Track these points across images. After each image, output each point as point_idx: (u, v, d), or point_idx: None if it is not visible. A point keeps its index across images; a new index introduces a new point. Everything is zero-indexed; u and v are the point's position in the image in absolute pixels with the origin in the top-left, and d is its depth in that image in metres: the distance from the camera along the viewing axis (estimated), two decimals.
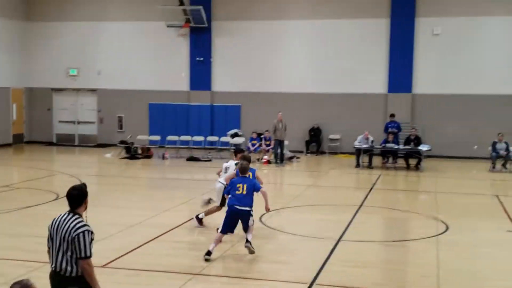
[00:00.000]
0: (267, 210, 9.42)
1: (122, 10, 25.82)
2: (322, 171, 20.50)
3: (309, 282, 7.60)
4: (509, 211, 12.44)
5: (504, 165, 19.57)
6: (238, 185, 8.84)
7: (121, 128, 25.74)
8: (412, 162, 19.98)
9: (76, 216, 5.03)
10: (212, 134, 24.01)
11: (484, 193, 15.67)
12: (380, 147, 20.37)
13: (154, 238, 9.69)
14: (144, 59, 25.52)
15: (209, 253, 8.55)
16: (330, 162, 21.86)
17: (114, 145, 23.77)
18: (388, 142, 20.38)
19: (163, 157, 21.79)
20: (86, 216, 5.15)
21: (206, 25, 24.40)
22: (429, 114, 22.87)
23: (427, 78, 22.97)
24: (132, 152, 21.95)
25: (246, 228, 8.85)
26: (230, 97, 24.81)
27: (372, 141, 20.28)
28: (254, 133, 22.32)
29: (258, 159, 21.00)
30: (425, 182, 17.68)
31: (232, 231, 8.90)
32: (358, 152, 20.16)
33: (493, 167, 19.57)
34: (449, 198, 14.66)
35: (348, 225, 10.98)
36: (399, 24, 22.91)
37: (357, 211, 12.33)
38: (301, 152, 23.25)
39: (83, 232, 4.92)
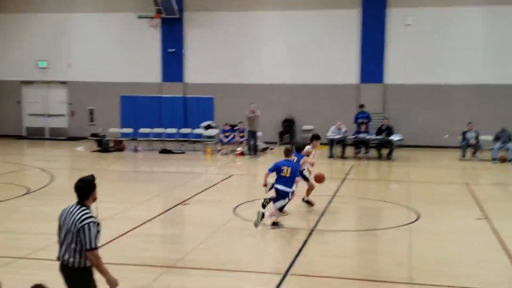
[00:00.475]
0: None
1: (92, 1, 25.46)
2: None
3: (283, 272, 7.63)
4: (479, 199, 12.67)
5: (474, 154, 19.91)
6: (283, 167, 9.91)
7: (92, 121, 25.44)
8: (384, 151, 20.18)
9: (83, 208, 5.05)
10: (185, 126, 23.88)
11: (454, 181, 15.91)
12: (353, 137, 20.52)
13: (127, 232, 9.61)
14: (115, 51, 25.22)
15: (263, 215, 9.69)
16: None
17: (86, 138, 23.47)
18: (360, 132, 20.54)
19: (136, 150, 21.62)
20: (96, 207, 5.18)
21: (177, 16, 24.21)
22: (401, 104, 23.11)
23: (398, 68, 23.19)
24: (104, 145, 21.72)
25: (276, 204, 9.94)
26: (203, 88, 24.69)
27: (345, 132, 20.41)
28: (226, 125, 22.26)
29: (231, 151, 20.98)
30: (397, 171, 17.88)
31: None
32: (331, 143, 20.27)
33: (463, 156, 19.89)
34: (421, 187, 14.86)
35: (321, 215, 11.06)
36: (371, 14, 23.05)
37: (330, 201, 12.41)
38: (274, 143, 23.29)
39: (88, 224, 4.95)
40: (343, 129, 20.42)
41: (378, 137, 20.34)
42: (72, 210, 5.06)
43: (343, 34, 23.54)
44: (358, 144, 20.90)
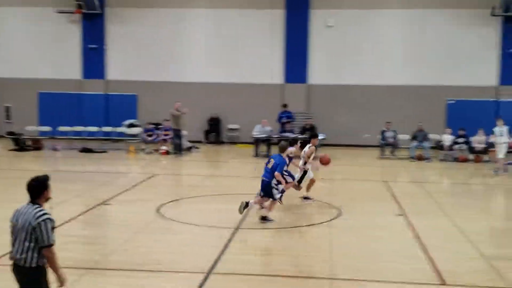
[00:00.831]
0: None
1: None
2: (221, 161, 20.54)
3: (206, 271, 7.56)
4: (397, 196, 13.12)
5: (392, 153, 20.64)
6: (270, 159, 10.59)
7: (8, 119, 24.31)
8: None
9: (36, 206, 5.05)
10: (107, 125, 23.29)
11: (374, 179, 16.40)
12: (278, 136, 20.73)
13: None
14: (33, 47, 24.26)
15: (247, 204, 10.28)
16: (229, 152, 21.97)
17: (1, 136, 22.40)
18: (285, 131, 20.79)
19: (54, 149, 20.85)
20: (51, 208, 5.19)
21: (99, 11, 23.57)
22: (324, 104, 23.59)
23: (321, 69, 23.65)
24: (21, 144, 20.81)
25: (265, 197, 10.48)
26: (125, 86, 24.18)
27: (270, 131, 20.59)
28: (149, 124, 21.85)
29: (155, 150, 20.66)
30: (320, 169, 18.18)
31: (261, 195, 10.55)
32: (257, 142, 20.39)
33: (382, 154, 20.58)
34: (342, 185, 15.22)
35: (246, 214, 11.07)
36: (294, 15, 23.38)
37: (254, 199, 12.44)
38: (200, 142, 23.16)
39: (44, 220, 4.96)
40: (268, 128, 20.60)
41: (302, 136, 20.64)
42: (25, 209, 5.06)
43: (268, 34, 23.74)
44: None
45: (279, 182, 10.49)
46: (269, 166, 10.44)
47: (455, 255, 8.59)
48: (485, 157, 19.69)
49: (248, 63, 23.75)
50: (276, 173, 10.33)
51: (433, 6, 23.01)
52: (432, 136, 20.92)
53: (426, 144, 20.26)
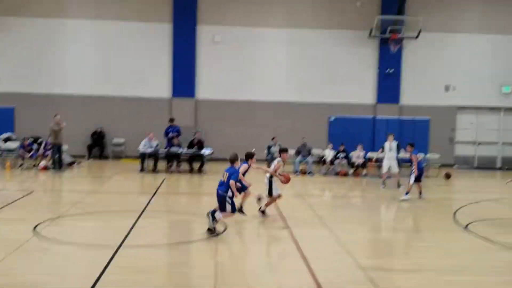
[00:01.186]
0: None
1: None
2: (105, 176, 19.90)
3: None
4: (282, 210, 13.39)
5: None
6: (225, 173, 10.66)
7: None
8: (196, 165, 20.46)
9: None
10: None
11: (259, 192, 16.59)
12: (165, 151, 20.50)
13: None
14: None
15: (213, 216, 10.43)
16: (114, 167, 21.36)
17: None
18: (172, 146, 20.60)
19: None
20: None
21: None
22: (212, 119, 23.72)
23: (209, 83, 23.80)
24: None
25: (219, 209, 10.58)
26: (2, 98, 22.81)
27: (157, 145, 20.32)
28: (26, 139, 20.70)
29: (34, 165, 19.63)
30: (208, 184, 18.20)
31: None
32: (143, 156, 20.02)
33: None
34: None
35: (129, 231, 10.77)
36: (182, 30, 23.39)
37: (139, 216, 12.17)
38: (83, 157, 22.32)
39: None
40: (155, 143, 20.31)
41: (190, 150, 20.58)
42: None
43: (156, 47, 23.52)
44: (170, 157, 20.92)
45: (233, 193, 10.66)
46: (224, 179, 10.61)
47: (334, 266, 8.91)
48: (364, 171, 20.73)
49: (134, 76, 23.36)
50: (231, 181, 10.50)
51: (315, 26, 24.00)
52: (315, 151, 21.71)
53: (310, 159, 20.95)
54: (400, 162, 19.30)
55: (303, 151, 21.16)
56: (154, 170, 19.98)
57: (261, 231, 11.24)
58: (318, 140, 23.03)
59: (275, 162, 12.67)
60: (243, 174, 11.58)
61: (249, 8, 23.87)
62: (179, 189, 17.96)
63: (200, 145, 20.75)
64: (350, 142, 21.48)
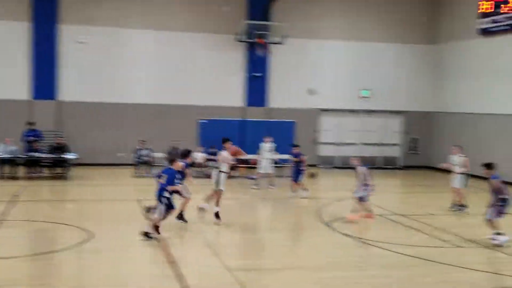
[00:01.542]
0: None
1: None
2: None
3: None
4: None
5: (147, 171, 20.73)
6: (163, 174, 10.87)
7: None
8: (59, 170, 19.51)
9: None
10: None
11: (128, 198, 16.24)
12: (24, 156, 19.31)
13: None
14: None
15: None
16: None
17: None
18: (32, 150, 19.48)
19: None
20: None
21: None
22: (77, 122, 22.73)
23: (74, 85, 22.77)
24: None
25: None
26: None
27: (15, 150, 19.13)
28: None
29: None
30: (72, 190, 17.46)
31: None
32: (1, 162, 18.73)
33: (137, 173, 20.57)
34: (95, 206, 14.77)
35: None
36: (42, 29, 22.20)
37: None
38: None
39: None
40: (13, 148, 19.10)
41: (52, 155, 19.57)
42: None
43: (12, 46, 22.13)
44: (30, 163, 19.71)
45: (173, 192, 10.91)
46: (162, 181, 10.73)
47: (204, 270, 8.91)
48: (236, 173, 20.98)
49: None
50: (170, 187, 10.67)
51: (183, 29, 23.89)
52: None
53: None
54: (280, 162, 20.24)
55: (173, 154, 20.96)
56: (13, 176, 18.75)
57: (126, 239, 10.91)
58: (189, 142, 22.87)
59: (223, 153, 13.24)
60: (181, 172, 11.63)
61: (116, 9, 23.18)
62: (41, 196, 17.00)
63: (63, 149, 19.79)
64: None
